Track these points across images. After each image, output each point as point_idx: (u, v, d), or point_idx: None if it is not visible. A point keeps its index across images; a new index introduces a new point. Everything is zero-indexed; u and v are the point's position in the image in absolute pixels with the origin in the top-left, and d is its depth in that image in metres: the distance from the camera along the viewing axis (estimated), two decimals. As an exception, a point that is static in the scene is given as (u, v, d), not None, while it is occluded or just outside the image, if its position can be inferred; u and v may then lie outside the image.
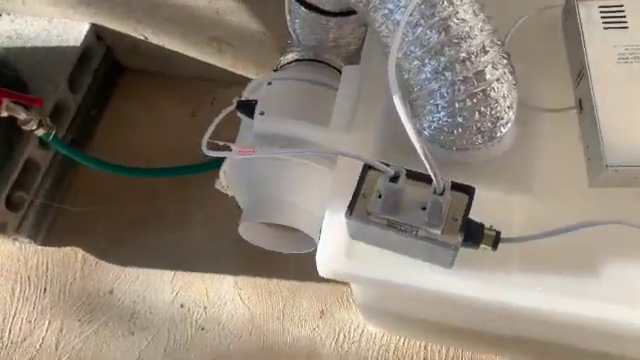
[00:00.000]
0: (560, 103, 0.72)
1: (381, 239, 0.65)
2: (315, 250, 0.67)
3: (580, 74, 0.70)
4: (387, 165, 0.60)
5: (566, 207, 0.67)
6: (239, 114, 0.87)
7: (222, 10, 1.11)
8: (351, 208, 0.63)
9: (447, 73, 0.63)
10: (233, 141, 1.13)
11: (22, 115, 1.09)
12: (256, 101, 0.82)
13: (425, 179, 0.61)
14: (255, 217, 0.80)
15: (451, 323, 0.82)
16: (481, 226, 0.62)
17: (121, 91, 1.38)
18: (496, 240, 0.62)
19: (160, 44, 1.26)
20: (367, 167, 0.65)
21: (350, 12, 0.81)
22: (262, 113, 0.79)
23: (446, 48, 0.62)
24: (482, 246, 0.62)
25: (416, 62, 0.65)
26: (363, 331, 1.00)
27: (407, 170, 0.60)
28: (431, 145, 0.71)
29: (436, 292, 0.65)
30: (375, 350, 0.99)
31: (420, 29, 0.63)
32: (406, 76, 0.68)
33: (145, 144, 1.30)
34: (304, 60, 0.91)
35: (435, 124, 0.69)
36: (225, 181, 0.90)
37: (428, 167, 0.56)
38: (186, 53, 1.27)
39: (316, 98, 0.82)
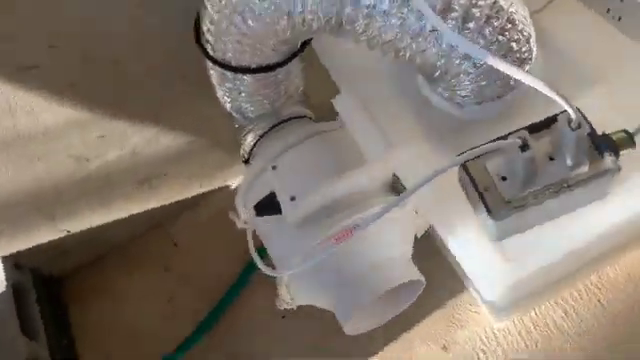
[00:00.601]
0: None
1: (531, 218, 0.56)
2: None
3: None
4: (504, 138, 0.51)
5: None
6: (255, 219, 0.75)
7: (139, 148, 0.97)
8: (489, 209, 0.54)
9: (469, 24, 0.57)
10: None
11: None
12: (273, 193, 0.70)
13: (543, 126, 0.54)
14: (360, 302, 0.67)
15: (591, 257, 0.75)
16: (606, 136, 0.55)
17: (78, 300, 1.17)
18: (630, 137, 0.55)
19: (86, 227, 1.08)
20: (462, 166, 0.56)
21: (296, 52, 0.71)
22: (293, 198, 0.68)
23: (454, 2, 0.56)
24: (622, 152, 0.55)
25: (432, 34, 0.57)
26: (495, 334, 0.91)
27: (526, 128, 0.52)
28: (470, 108, 0.65)
29: (609, 226, 0.57)
30: (521, 340, 0.90)
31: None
32: (420, 60, 0.60)
33: (135, 327, 1.11)
34: (271, 130, 0.80)
35: (473, 84, 0.62)
36: (288, 295, 0.77)
37: (557, 97, 0.48)
38: (119, 216, 1.10)
39: (325, 149, 0.72)
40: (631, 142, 0.55)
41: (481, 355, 0.91)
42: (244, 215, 0.81)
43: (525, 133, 0.51)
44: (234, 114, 0.82)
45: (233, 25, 0.63)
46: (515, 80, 0.62)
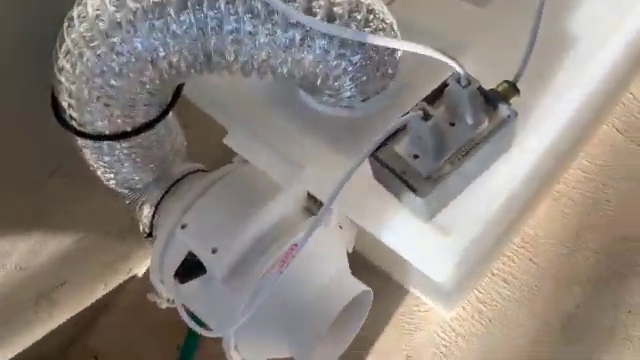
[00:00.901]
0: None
1: (453, 186, 0.56)
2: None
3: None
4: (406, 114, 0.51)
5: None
6: (179, 290, 0.68)
7: (24, 262, 0.86)
8: (413, 189, 0.53)
9: (335, 23, 0.57)
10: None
11: None
12: (191, 254, 0.64)
13: (437, 94, 0.54)
14: (318, 330, 0.63)
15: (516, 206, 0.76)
16: (493, 90, 0.57)
17: None
18: (513, 86, 0.58)
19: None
20: (373, 158, 0.56)
21: (171, 102, 0.68)
22: (214, 251, 0.63)
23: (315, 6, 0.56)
24: (511, 101, 0.58)
25: (303, 42, 0.57)
26: (451, 325, 0.90)
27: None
28: (359, 107, 0.65)
29: (530, 168, 0.59)
30: (476, 322, 0.90)
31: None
32: (299, 72, 0.60)
33: None
34: (167, 194, 0.75)
35: (354, 82, 0.62)
36: (240, 358, 0.70)
37: (441, 56, 0.49)
38: (25, 345, 0.96)
39: (233, 191, 0.67)
40: (515, 89, 0.57)
41: (444, 350, 0.89)
42: (165, 292, 0.75)
43: (423, 104, 0.51)
44: (121, 190, 0.76)
45: (95, 90, 0.59)
46: (393, 68, 0.64)
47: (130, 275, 1.06)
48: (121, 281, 1.05)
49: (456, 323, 0.91)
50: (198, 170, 0.78)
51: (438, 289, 0.82)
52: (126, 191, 0.77)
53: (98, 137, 0.63)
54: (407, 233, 0.57)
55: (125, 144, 0.67)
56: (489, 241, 0.60)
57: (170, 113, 0.71)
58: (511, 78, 0.58)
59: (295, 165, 0.63)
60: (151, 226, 0.77)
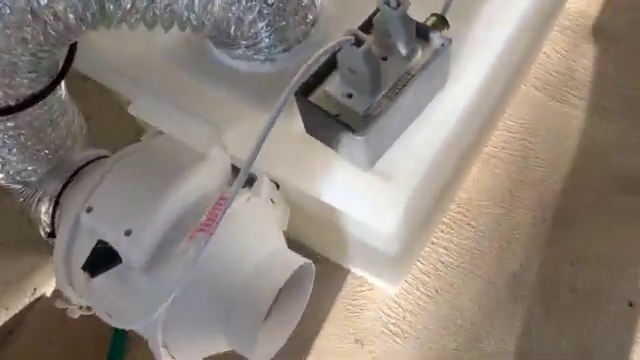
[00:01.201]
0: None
1: (394, 124, 0.51)
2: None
3: None
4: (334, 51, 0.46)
5: None
6: (92, 288, 0.59)
7: None
8: (351, 128, 0.48)
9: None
10: None
11: None
12: (101, 241, 0.55)
13: (368, 24, 0.49)
14: (259, 311, 0.55)
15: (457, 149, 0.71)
16: (423, 24, 0.53)
17: None
18: (442, 18, 0.54)
19: None
20: (302, 100, 0.50)
21: (62, 71, 0.58)
22: (128, 232, 0.53)
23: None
24: (442, 33, 0.54)
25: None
26: (397, 301, 0.85)
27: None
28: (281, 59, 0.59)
29: (467, 103, 0.55)
30: (422, 294, 0.85)
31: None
32: (210, 20, 0.53)
33: None
34: (68, 184, 0.65)
35: (272, 28, 0.56)
36: (170, 358, 0.61)
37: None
38: None
39: (146, 164, 0.58)
40: (444, 22, 0.54)
41: (392, 327, 0.84)
42: (76, 297, 0.64)
43: (353, 29, 0.46)
44: (13, 186, 0.65)
45: (-36, 53, 0.49)
46: (312, 13, 0.58)
47: (36, 296, 0.93)
48: (25, 304, 0.91)
49: (401, 298, 0.86)
50: (103, 157, 0.68)
51: (381, 261, 0.77)
52: (19, 186, 0.66)
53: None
54: (348, 185, 0.52)
55: (10, 124, 0.57)
56: (434, 185, 0.56)
57: (64, 89, 0.62)
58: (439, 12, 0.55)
59: (213, 126, 0.56)
60: (52, 223, 0.67)
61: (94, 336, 0.88)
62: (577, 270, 0.85)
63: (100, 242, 0.56)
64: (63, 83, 0.63)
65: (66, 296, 0.64)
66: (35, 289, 0.92)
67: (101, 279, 0.57)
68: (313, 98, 0.49)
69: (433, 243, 0.89)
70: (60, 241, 0.59)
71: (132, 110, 0.59)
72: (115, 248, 0.55)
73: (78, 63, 0.60)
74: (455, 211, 0.91)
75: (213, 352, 0.64)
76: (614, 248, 0.86)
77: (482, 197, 0.92)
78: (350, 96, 0.49)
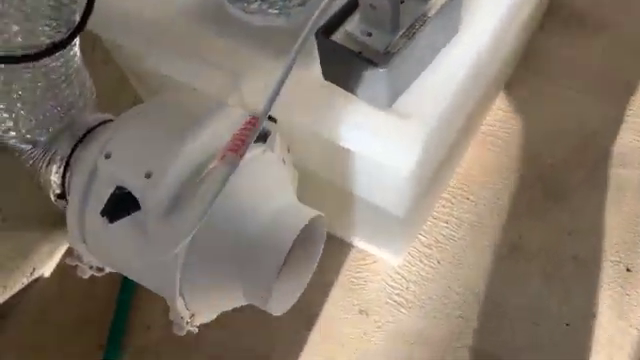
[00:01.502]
0: None
1: (412, 63, 0.53)
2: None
3: None
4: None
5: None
6: (105, 239, 0.59)
7: None
8: (374, 62, 0.49)
9: None
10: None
11: None
12: (119, 187, 0.55)
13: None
14: (278, 255, 0.55)
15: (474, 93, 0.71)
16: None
17: None
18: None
19: None
20: (321, 38, 0.51)
21: (83, 19, 0.59)
22: (148, 175, 0.54)
23: None
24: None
25: None
26: (400, 273, 0.85)
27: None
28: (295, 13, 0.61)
29: (481, 47, 0.57)
30: (425, 265, 0.86)
31: None
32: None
33: None
34: (80, 143, 0.65)
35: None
36: (186, 311, 0.61)
37: None
38: None
39: (168, 112, 0.59)
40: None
41: (397, 298, 0.85)
42: (87, 255, 0.64)
43: (375, -36, 0.48)
44: (22, 145, 0.65)
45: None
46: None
47: (35, 277, 0.92)
48: (24, 283, 0.90)
49: (405, 270, 0.87)
50: (103, 122, 0.68)
51: (388, 226, 0.78)
52: (29, 147, 0.66)
53: (6, 60, 0.53)
54: (366, 125, 0.53)
55: (27, 74, 0.57)
56: (450, 128, 0.57)
57: (78, 48, 0.63)
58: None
59: (232, 73, 0.57)
60: (63, 184, 0.67)
61: (92, 320, 0.87)
62: (575, 239, 0.88)
63: (119, 188, 0.56)
64: (78, 41, 0.63)
65: (77, 253, 0.64)
66: (34, 269, 0.91)
67: (117, 229, 0.57)
68: (336, 37, 0.51)
69: (434, 217, 0.90)
70: (75, 192, 0.59)
71: (148, 63, 0.59)
72: (134, 194, 0.55)
73: (93, 20, 0.61)
74: (455, 186, 0.93)
75: (230, 306, 0.64)
76: (608, 219, 0.89)
77: (480, 173, 0.94)
78: (370, 35, 0.50)
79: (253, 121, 0.46)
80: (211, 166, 0.51)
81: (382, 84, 0.50)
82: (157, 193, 0.54)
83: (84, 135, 0.66)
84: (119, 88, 0.84)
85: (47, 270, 0.93)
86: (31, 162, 0.68)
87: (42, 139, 0.65)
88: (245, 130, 0.47)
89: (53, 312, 0.90)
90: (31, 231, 0.88)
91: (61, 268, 0.93)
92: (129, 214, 0.55)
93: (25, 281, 0.91)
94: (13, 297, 0.89)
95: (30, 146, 0.66)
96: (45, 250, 0.91)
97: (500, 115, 0.98)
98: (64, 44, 0.57)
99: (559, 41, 1.04)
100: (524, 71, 1.02)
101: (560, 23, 1.05)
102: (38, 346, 0.87)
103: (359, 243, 0.88)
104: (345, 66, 0.51)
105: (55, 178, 0.68)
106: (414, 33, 0.51)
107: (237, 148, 0.46)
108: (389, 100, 0.52)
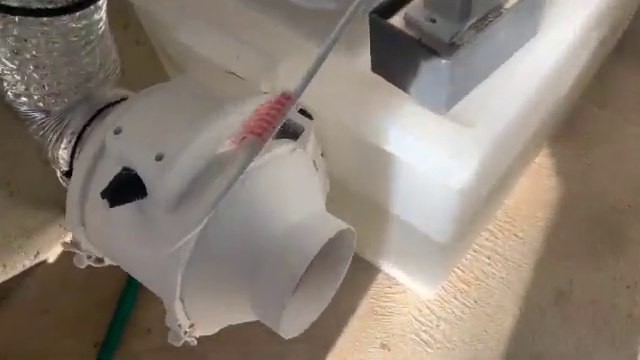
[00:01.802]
0: None
1: (479, 62, 0.45)
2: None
3: None
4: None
5: None
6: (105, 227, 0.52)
7: None
8: (436, 51, 0.41)
9: None
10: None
11: None
12: (126, 169, 0.48)
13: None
14: (294, 272, 0.48)
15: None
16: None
17: None
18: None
19: None
20: (376, 20, 0.44)
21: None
22: (160, 157, 0.47)
23: None
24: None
25: None
26: (430, 308, 0.76)
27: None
28: None
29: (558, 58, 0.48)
30: (459, 302, 0.76)
31: None
32: None
33: None
34: (94, 120, 0.59)
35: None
36: (186, 319, 0.53)
37: None
38: None
39: (186, 92, 0.52)
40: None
41: (424, 335, 0.75)
42: (84, 241, 0.57)
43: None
44: (33, 113, 0.60)
45: None
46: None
47: (38, 260, 0.86)
48: (27, 266, 0.84)
49: (436, 305, 0.78)
50: (120, 100, 0.62)
51: (424, 253, 0.69)
52: (41, 115, 0.60)
53: (19, 11, 0.48)
54: (418, 129, 0.45)
55: (46, 28, 0.51)
56: (513, 144, 0.49)
57: (104, 14, 0.57)
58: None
59: (269, 56, 0.50)
60: (71, 161, 0.61)
61: (91, 315, 0.80)
62: (632, 295, 0.77)
63: (125, 169, 0.50)
64: (105, 6, 0.58)
65: (75, 239, 0.57)
66: (38, 252, 0.85)
67: (118, 214, 0.50)
68: (395, 20, 0.43)
69: (475, 251, 0.81)
70: (79, 168, 0.52)
71: (179, 34, 0.53)
72: (142, 177, 0.49)
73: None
74: (501, 219, 0.83)
75: (236, 320, 0.56)
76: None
77: (531, 207, 0.84)
78: (434, 21, 0.43)
79: (283, 100, 0.38)
80: (226, 148, 0.44)
81: (442, 80, 0.42)
82: (166, 178, 0.47)
83: (101, 110, 0.61)
84: (150, 70, 0.78)
85: (52, 256, 0.87)
86: (41, 133, 0.62)
87: (55, 109, 0.60)
88: (273, 110, 0.39)
89: (53, 299, 0.84)
90: (40, 212, 0.82)
91: (66, 256, 0.87)
92: (133, 200, 0.49)
93: (27, 263, 0.85)
94: (12, 279, 0.84)
95: (43, 115, 0.60)
96: (52, 234, 0.85)
97: (559, 145, 0.89)
98: (85, 3, 0.52)
99: (632, 72, 0.94)
100: (590, 100, 0.92)
101: (635, 52, 0.96)
102: (33, 335, 0.80)
103: (388, 268, 0.79)
104: (400, 56, 0.44)
105: (64, 154, 0.61)
106: (486, 26, 0.43)
107: (261, 131, 0.39)
108: (447, 102, 0.44)
